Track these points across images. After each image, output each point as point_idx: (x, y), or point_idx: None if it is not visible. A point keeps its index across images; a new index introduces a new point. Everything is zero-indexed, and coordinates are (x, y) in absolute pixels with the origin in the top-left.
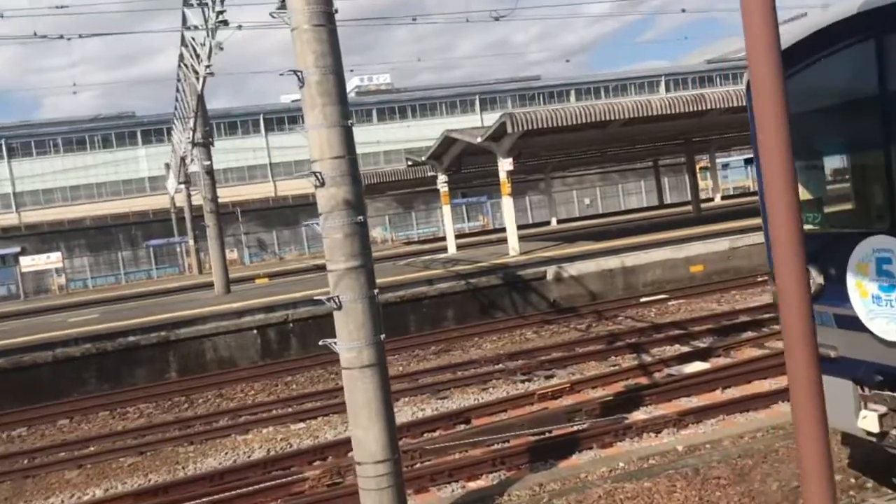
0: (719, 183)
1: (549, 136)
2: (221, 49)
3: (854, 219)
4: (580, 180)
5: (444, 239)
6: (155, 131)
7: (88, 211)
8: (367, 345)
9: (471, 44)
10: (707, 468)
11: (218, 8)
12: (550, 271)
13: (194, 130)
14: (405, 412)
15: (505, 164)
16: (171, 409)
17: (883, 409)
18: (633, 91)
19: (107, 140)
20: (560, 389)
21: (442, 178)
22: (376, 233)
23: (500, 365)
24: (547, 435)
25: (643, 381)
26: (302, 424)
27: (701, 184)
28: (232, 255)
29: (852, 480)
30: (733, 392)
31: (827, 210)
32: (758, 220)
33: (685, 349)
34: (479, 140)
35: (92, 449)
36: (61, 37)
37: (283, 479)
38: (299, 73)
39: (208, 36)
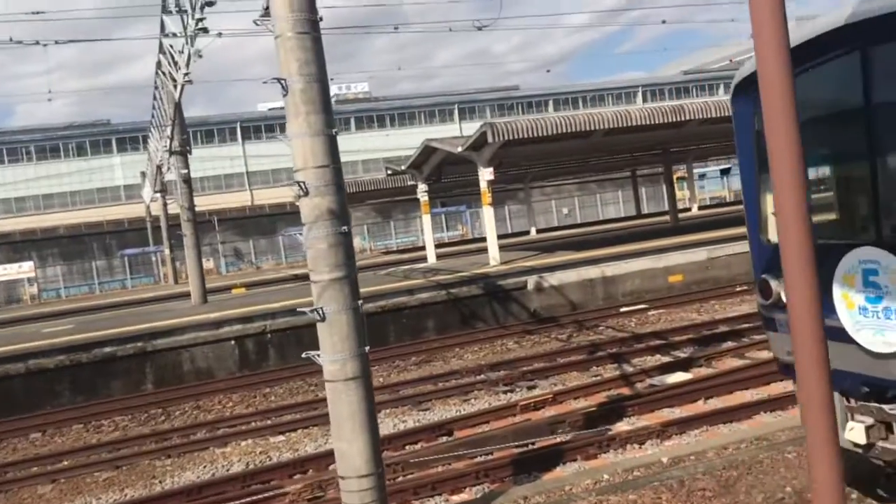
0: (696, 193)
1: (529, 146)
2: (200, 56)
3: (840, 230)
4: (558, 190)
5: (423, 248)
6: (130, 139)
7: (62, 219)
8: (352, 357)
9: (450, 53)
10: (692, 480)
11: (198, 15)
12: (531, 281)
13: (171, 139)
14: (387, 424)
15: (485, 174)
16: (147, 422)
17: (870, 420)
18: (610, 101)
19: (81, 148)
20: (542, 400)
21: (422, 187)
22: (355, 242)
23: (482, 376)
24: (530, 447)
25: (625, 391)
26: (281, 437)
27: (678, 194)
28: (208, 264)
29: None
30: (716, 402)
31: (813, 221)
32: (735, 230)
33: (666, 359)
34: (459, 149)
35: (66, 463)
36: (37, 43)
37: (263, 494)
38: (283, 81)
39: (187, 43)
